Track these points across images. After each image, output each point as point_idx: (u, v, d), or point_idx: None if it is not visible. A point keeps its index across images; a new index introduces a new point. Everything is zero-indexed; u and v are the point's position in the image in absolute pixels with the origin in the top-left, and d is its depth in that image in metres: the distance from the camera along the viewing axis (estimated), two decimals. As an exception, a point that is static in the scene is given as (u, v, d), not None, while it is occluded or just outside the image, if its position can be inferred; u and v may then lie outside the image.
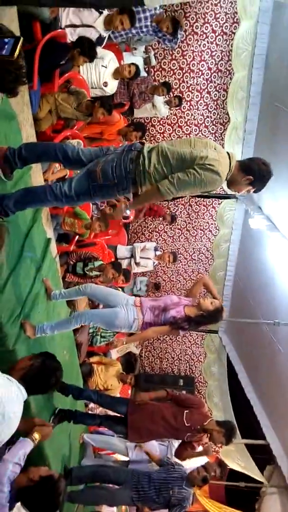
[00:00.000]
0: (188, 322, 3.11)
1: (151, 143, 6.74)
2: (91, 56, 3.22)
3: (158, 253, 6.03)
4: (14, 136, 2.67)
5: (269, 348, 6.34)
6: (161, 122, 6.78)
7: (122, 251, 5.58)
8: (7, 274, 2.60)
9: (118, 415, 3.88)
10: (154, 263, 5.96)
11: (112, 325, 3.15)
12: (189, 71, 6.29)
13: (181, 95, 6.33)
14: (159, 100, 5.47)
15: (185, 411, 3.53)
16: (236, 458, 6.72)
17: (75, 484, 3.85)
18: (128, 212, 4.65)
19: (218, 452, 7.09)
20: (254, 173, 2.46)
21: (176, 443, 4.15)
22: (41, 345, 3.22)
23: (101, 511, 4.65)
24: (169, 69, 6.25)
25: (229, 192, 7.20)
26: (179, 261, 7.18)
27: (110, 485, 3.88)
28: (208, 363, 8.01)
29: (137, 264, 5.53)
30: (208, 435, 3.53)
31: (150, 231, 7.43)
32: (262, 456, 6.50)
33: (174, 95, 6.01)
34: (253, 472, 6.40)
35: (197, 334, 7.97)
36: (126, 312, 3.08)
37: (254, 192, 2.58)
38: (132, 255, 5.56)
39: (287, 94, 5.09)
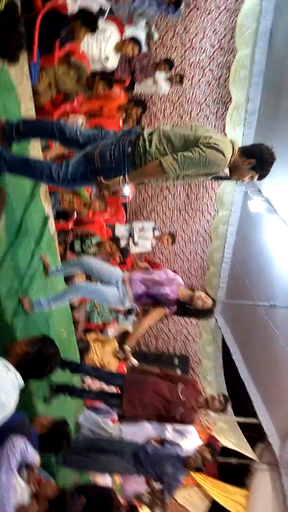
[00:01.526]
0: (177, 307, 3.12)
1: (151, 121, 6.77)
2: (92, 27, 3.13)
3: (156, 233, 6.02)
4: (13, 108, 2.63)
5: (264, 330, 6.41)
6: (162, 100, 6.68)
7: (121, 230, 5.56)
8: (5, 249, 2.60)
9: (114, 391, 3.95)
10: (152, 243, 5.96)
11: (106, 301, 3.16)
12: (191, 48, 6.17)
13: (182, 72, 6.22)
14: (161, 76, 5.37)
15: (181, 386, 3.60)
16: (229, 435, 6.89)
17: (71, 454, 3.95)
18: (127, 189, 4.59)
19: (212, 430, 7.26)
20: (256, 157, 2.39)
21: (169, 428, 4.24)
22: (39, 321, 3.25)
23: (96, 480, 4.77)
24: (171, 45, 6.13)
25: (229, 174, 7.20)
26: (177, 242, 7.18)
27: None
28: (203, 343, 8.12)
29: (135, 244, 5.52)
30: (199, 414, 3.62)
31: (148, 211, 7.41)
32: (254, 434, 6.65)
33: (176, 72, 5.90)
34: (245, 449, 6.58)
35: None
36: (118, 289, 3.08)
37: (258, 179, 2.50)
38: (131, 235, 5.55)
39: (290, 74, 5.01)
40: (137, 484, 4.67)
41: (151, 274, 3.18)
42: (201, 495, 6.93)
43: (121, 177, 2.37)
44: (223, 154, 2.29)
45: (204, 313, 3.17)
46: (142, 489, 4.44)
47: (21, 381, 1.94)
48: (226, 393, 7.23)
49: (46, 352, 2.08)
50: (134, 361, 3.38)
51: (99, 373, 3.96)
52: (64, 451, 3.49)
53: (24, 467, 2.28)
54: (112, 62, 3.94)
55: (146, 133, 2.39)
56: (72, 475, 4.13)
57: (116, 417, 5.84)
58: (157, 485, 3.89)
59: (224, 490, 6.62)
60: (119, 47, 3.93)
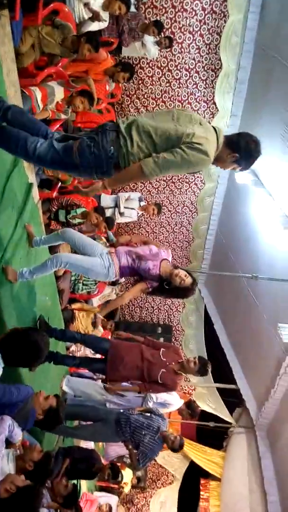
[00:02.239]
0: (157, 283, 3.12)
1: (138, 87, 6.57)
2: (78, -15, 2.97)
3: (142, 203, 5.97)
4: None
5: (245, 301, 6.56)
6: (150, 64, 6.46)
7: (106, 200, 5.49)
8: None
9: (98, 357, 4.03)
10: (138, 213, 5.92)
11: (87, 272, 3.12)
12: (182, 10, 5.92)
13: (172, 36, 6.00)
14: (149, 39, 5.17)
15: (162, 349, 3.74)
16: (208, 400, 7.16)
17: None
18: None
19: (191, 394, 7.52)
20: (240, 151, 2.27)
21: (153, 397, 4.36)
22: (23, 290, 3.25)
23: (79, 445, 4.94)
24: (161, 7, 5.86)
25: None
26: (162, 213, 7.16)
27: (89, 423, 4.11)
28: (186, 313, 8.27)
29: (121, 214, 5.48)
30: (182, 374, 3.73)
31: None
32: (232, 399, 6.93)
33: (165, 35, 5.69)
34: (223, 413, 6.86)
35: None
36: (102, 260, 3.06)
37: (240, 170, 2.39)
38: (116, 205, 5.49)
39: (283, 43, 4.88)
40: (118, 447, 4.86)
41: (136, 248, 3.17)
42: (181, 456, 7.27)
43: (101, 183, 2.28)
44: (206, 154, 2.20)
45: (183, 292, 3.17)
46: (123, 452, 4.63)
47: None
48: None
49: (32, 336, 2.08)
50: (101, 330, 3.42)
51: (85, 337, 4.00)
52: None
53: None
54: (103, 21, 3.75)
55: (123, 128, 2.23)
56: (57, 439, 4.26)
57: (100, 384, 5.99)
58: (135, 451, 4.06)
59: (202, 452, 6.95)
60: (106, 5, 3.75)
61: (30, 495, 2.14)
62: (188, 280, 3.10)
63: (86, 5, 3.57)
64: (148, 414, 4.15)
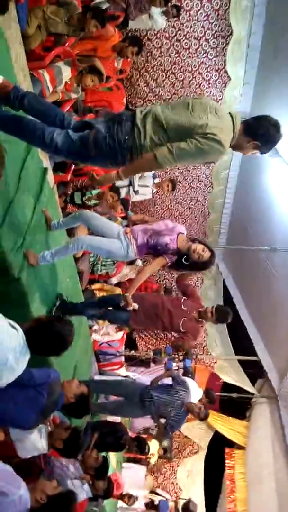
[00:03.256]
0: (176, 257, 3.14)
1: (147, 59, 6.42)
2: None
3: (156, 180, 5.91)
4: (3, 56, 2.49)
5: (264, 273, 6.53)
6: (157, 36, 6.25)
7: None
8: (6, 205, 2.59)
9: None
10: (152, 191, 5.88)
11: (107, 253, 3.18)
12: (188, -25, 5.69)
13: (179, 4, 5.78)
14: (156, 10, 5.01)
15: (183, 298, 3.80)
16: (230, 372, 7.26)
17: None
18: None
19: (213, 367, 7.64)
20: (261, 138, 2.23)
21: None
22: (44, 273, 3.32)
23: (106, 419, 5.12)
24: (167, -26, 5.63)
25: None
26: (177, 189, 7.09)
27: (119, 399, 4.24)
28: (204, 288, 8.29)
29: (135, 192, 5.46)
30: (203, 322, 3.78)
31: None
32: (254, 371, 7.02)
33: (172, 4, 5.48)
34: (245, 384, 6.96)
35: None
36: (120, 241, 3.09)
37: (261, 154, 2.33)
38: (131, 183, 5.46)
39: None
40: (144, 419, 5.01)
41: (152, 224, 3.17)
42: (205, 426, 7.46)
43: (115, 173, 2.31)
44: (220, 144, 2.17)
45: (202, 266, 3.19)
46: (149, 423, 4.78)
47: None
48: (227, 333, 7.56)
49: (58, 326, 2.09)
50: (135, 306, 3.45)
51: (105, 299, 4.02)
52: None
53: None
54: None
55: (139, 119, 2.23)
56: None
57: (122, 360, 6.14)
58: (162, 421, 4.19)
59: (226, 422, 7.11)
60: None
61: (62, 504, 2.17)
62: (207, 254, 3.11)
63: None
64: (171, 384, 4.23)
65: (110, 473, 4.61)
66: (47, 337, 2.03)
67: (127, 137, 2.22)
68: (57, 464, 3.24)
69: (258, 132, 2.23)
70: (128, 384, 4.42)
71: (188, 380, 4.27)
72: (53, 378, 2.38)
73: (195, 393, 4.49)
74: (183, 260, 3.11)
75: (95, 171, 2.90)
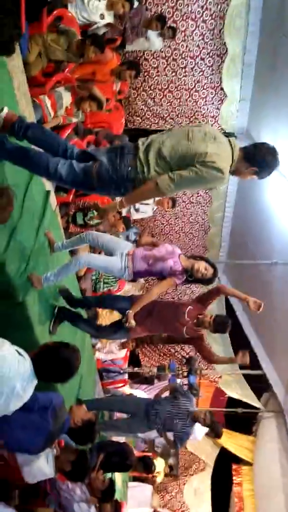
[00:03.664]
0: (185, 276, 3.18)
1: (144, 79, 6.52)
2: (80, -9, 2.96)
3: (157, 198, 5.97)
4: (6, 86, 2.55)
5: (265, 286, 6.54)
6: (154, 56, 6.38)
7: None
8: (10, 231, 2.63)
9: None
10: (153, 208, 5.94)
11: (107, 271, 3.30)
12: (183, -3, 5.82)
13: (175, 25, 5.90)
14: (152, 33, 5.12)
15: (189, 307, 3.58)
16: (235, 387, 7.21)
17: None
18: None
19: (217, 382, 7.60)
20: (259, 164, 2.32)
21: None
22: (48, 294, 3.34)
23: (111, 439, 5.08)
24: (162, -4, 5.77)
25: (228, 130, 6.99)
26: (177, 204, 7.15)
27: (124, 416, 4.21)
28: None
29: (136, 210, 5.52)
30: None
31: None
32: (259, 384, 6.97)
33: (168, 25, 5.61)
34: (250, 399, 6.91)
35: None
36: (120, 261, 3.14)
37: (259, 179, 2.45)
38: (131, 202, 5.51)
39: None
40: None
41: (152, 251, 3.22)
42: (211, 442, 7.38)
43: (119, 201, 2.38)
44: (220, 171, 2.24)
45: (207, 282, 3.28)
46: (153, 435, 4.72)
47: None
48: (231, 348, 7.53)
49: (64, 352, 2.09)
50: (132, 323, 3.37)
51: (103, 297, 3.98)
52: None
53: None
54: (109, 20, 3.76)
55: (141, 152, 2.30)
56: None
57: (126, 377, 6.12)
58: (169, 436, 4.16)
59: (232, 438, 7.04)
60: (110, 4, 3.73)
61: None
62: (209, 272, 3.18)
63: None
64: (174, 396, 4.20)
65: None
66: (54, 364, 2.03)
67: (129, 169, 2.29)
68: (63, 487, 3.21)
69: (256, 159, 2.31)
70: (132, 400, 4.41)
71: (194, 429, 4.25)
72: (56, 403, 2.38)
73: (200, 428, 4.50)
74: (188, 277, 3.18)
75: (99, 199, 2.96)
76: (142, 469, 4.42)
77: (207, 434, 4.56)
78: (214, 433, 4.51)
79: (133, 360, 6.97)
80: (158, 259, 3.16)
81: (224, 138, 2.36)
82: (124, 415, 4.44)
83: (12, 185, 2.72)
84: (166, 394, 4.42)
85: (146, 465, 4.38)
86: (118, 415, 4.73)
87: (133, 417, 4.15)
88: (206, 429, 4.56)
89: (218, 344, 7.80)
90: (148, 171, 2.28)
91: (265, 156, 2.31)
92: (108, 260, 3.17)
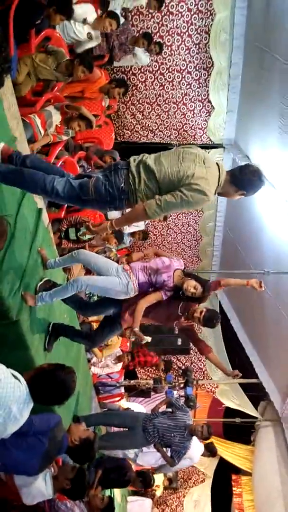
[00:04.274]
0: (173, 292, 3.18)
1: (133, 93, 6.61)
2: (68, 13, 3.01)
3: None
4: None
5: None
6: (142, 70, 6.48)
7: (113, 212, 5.54)
8: (4, 249, 2.63)
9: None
10: (145, 222, 5.98)
11: (107, 292, 3.19)
12: (168, 13, 5.93)
13: (161, 40, 6.01)
14: (139, 49, 5.20)
15: (181, 303, 3.47)
16: (232, 396, 7.21)
17: None
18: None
19: (214, 392, 7.58)
20: (245, 187, 2.46)
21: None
22: (43, 312, 3.33)
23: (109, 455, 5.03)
24: (147, 13, 5.88)
25: (216, 141, 7.08)
26: (169, 215, 7.20)
27: (121, 430, 4.18)
28: (201, 311, 8.29)
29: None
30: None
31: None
32: (256, 393, 6.97)
33: (154, 41, 5.71)
34: (248, 408, 6.90)
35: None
36: (119, 279, 3.12)
37: (246, 196, 2.58)
38: (123, 215, 5.55)
39: (272, 35, 4.89)
40: (149, 457, 4.93)
41: (149, 263, 3.24)
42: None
43: (109, 223, 2.49)
44: (204, 194, 2.34)
45: (198, 300, 3.26)
46: (154, 460, 4.71)
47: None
48: (227, 358, 7.53)
49: (60, 375, 2.07)
50: (148, 339, 3.34)
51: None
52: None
53: None
54: (96, 38, 3.83)
55: (133, 166, 2.42)
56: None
57: (122, 391, 6.08)
58: (167, 451, 4.15)
59: (231, 448, 7.01)
60: (96, 23, 3.80)
61: None
62: (199, 291, 3.16)
63: (85, 21, 3.63)
64: (171, 411, 4.20)
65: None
66: (50, 387, 2.02)
67: (123, 182, 2.39)
68: (62, 507, 3.17)
69: (243, 183, 2.45)
70: (129, 414, 4.40)
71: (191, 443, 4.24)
72: (54, 424, 2.37)
73: (197, 447, 4.51)
74: (180, 294, 3.17)
75: (90, 216, 2.97)
76: (141, 484, 4.37)
77: (203, 455, 4.58)
78: (210, 453, 4.53)
79: (129, 373, 6.93)
80: (155, 271, 3.19)
81: (213, 162, 2.47)
82: (121, 430, 4.41)
83: (5, 204, 2.74)
84: (163, 408, 4.41)
85: (145, 481, 4.34)
86: (115, 429, 4.71)
87: (130, 431, 4.13)
88: (202, 451, 4.60)
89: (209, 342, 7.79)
90: (139, 182, 2.39)
91: (251, 179, 2.46)
92: (108, 281, 3.12)
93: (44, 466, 2.46)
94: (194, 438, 4.21)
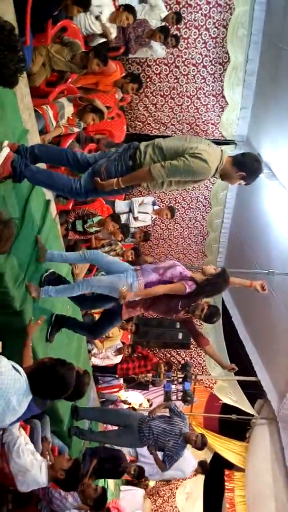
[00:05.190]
0: (196, 285, 3.13)
1: (147, 85, 6.56)
2: (85, 5, 2.99)
3: (156, 207, 6.02)
4: (9, 98, 2.57)
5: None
6: (157, 62, 6.41)
7: (120, 206, 5.56)
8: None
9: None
10: (152, 217, 5.98)
11: (114, 294, 3.16)
12: (186, 5, 5.84)
13: (177, 32, 5.93)
14: (156, 42, 5.14)
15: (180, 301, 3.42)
16: (229, 393, 7.26)
17: (80, 420, 4.19)
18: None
19: (212, 388, 7.63)
20: (246, 169, 2.59)
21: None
22: (46, 303, 3.36)
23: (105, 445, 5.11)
24: (166, 4, 5.79)
25: (228, 137, 7.02)
26: (176, 210, 7.18)
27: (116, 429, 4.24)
28: (203, 307, 8.30)
29: (135, 218, 5.55)
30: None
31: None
32: (253, 391, 7.01)
33: (171, 33, 5.63)
34: (244, 405, 6.95)
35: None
36: (126, 278, 3.11)
37: (245, 185, 2.74)
38: (130, 210, 5.56)
39: (290, 33, 4.82)
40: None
41: (161, 263, 3.27)
42: (205, 448, 7.40)
43: (115, 180, 2.59)
44: (206, 163, 2.48)
45: (222, 279, 3.18)
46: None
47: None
48: (226, 354, 7.57)
49: (60, 370, 2.08)
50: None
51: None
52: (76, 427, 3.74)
53: None
54: (112, 33, 3.79)
55: (142, 146, 2.62)
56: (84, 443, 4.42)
57: (121, 382, 6.14)
58: (160, 454, 4.19)
59: (225, 443, 7.08)
60: (114, 17, 3.75)
61: None
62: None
63: (98, 18, 3.61)
64: (168, 416, 4.24)
65: (109, 499, 4.60)
66: (49, 381, 2.06)
67: (131, 159, 2.59)
68: (56, 495, 3.25)
69: (245, 164, 2.60)
70: (127, 414, 4.42)
71: (184, 451, 4.28)
72: None
73: (190, 461, 4.55)
74: (205, 282, 3.13)
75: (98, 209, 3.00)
76: (134, 474, 4.43)
77: (195, 471, 4.67)
78: (203, 470, 4.61)
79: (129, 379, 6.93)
80: (168, 267, 3.21)
81: (216, 147, 2.64)
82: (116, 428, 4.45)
83: (14, 195, 2.76)
84: (161, 412, 4.41)
85: (139, 474, 4.40)
86: (109, 427, 4.77)
87: (125, 430, 4.16)
88: (195, 467, 4.68)
89: (209, 337, 7.82)
90: (144, 157, 2.57)
91: (252, 162, 2.62)
92: (113, 281, 3.11)
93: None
94: (189, 453, 4.27)
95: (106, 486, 4.20)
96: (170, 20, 5.21)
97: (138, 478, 4.49)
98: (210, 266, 3.25)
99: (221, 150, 2.63)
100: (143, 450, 4.62)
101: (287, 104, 5.12)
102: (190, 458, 4.65)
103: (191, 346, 8.42)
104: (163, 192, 7.22)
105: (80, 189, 2.65)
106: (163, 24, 5.15)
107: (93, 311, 4.91)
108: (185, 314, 3.50)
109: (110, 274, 3.15)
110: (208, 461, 7.54)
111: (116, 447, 4.53)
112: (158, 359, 6.95)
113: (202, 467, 4.78)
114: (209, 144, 2.60)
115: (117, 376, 5.73)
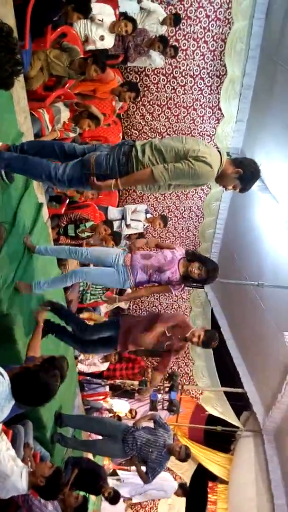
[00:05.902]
0: (183, 281, 3.12)
1: (144, 94, 6.60)
2: (85, 12, 3.01)
3: (148, 215, 6.04)
4: (6, 100, 2.58)
5: (252, 305, 6.60)
6: (155, 72, 6.47)
7: (113, 212, 5.57)
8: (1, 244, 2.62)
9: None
10: (144, 225, 5.99)
11: (104, 284, 3.25)
12: (186, 17, 5.92)
13: (176, 43, 6.01)
14: (154, 52, 5.19)
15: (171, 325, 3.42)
16: (215, 404, 7.22)
17: (63, 427, 4.13)
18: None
19: (198, 398, 7.60)
20: (244, 168, 2.53)
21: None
22: (34, 306, 3.33)
23: (88, 457, 5.04)
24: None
25: (223, 149, 7.09)
26: (169, 218, 7.20)
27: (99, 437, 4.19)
28: (193, 316, 8.32)
29: (127, 226, 5.55)
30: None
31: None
32: (240, 403, 7.00)
33: (170, 44, 5.70)
34: (230, 417, 6.93)
35: (183, 289, 8.18)
36: (117, 273, 3.07)
37: (240, 191, 2.63)
38: (123, 217, 5.56)
39: (287, 49, 4.90)
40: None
41: (150, 260, 3.11)
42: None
43: (114, 180, 2.47)
44: (210, 166, 2.42)
45: (205, 282, 3.20)
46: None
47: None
48: (214, 365, 7.56)
49: (43, 377, 2.06)
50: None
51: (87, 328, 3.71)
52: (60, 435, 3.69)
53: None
54: (108, 42, 3.81)
55: (138, 144, 2.51)
56: (66, 449, 4.35)
57: (107, 390, 6.09)
58: (143, 467, 4.14)
59: (209, 455, 7.03)
60: (113, 26, 3.79)
61: None
62: (204, 272, 3.04)
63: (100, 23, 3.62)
64: (153, 427, 4.20)
65: (90, 509, 4.52)
66: (32, 387, 2.02)
67: (124, 157, 2.47)
68: (35, 502, 3.18)
69: (243, 164, 2.55)
70: (111, 423, 4.36)
71: (165, 474, 4.26)
72: None
73: (172, 484, 4.53)
74: (190, 280, 3.12)
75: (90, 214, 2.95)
76: (108, 499, 4.33)
77: (176, 493, 4.66)
78: (184, 492, 4.60)
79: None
80: (157, 269, 3.09)
81: (214, 148, 2.59)
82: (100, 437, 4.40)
83: (6, 198, 2.74)
84: (146, 423, 4.37)
85: (113, 498, 4.29)
86: (93, 436, 4.71)
87: (109, 440, 4.10)
88: (175, 489, 4.67)
89: (201, 359, 7.83)
90: (143, 155, 2.45)
91: (250, 164, 2.56)
92: (104, 272, 3.10)
93: None
94: (169, 475, 4.23)
95: (87, 496, 4.12)
96: (168, 21, 5.24)
97: (111, 503, 4.34)
98: (194, 266, 3.07)
99: (219, 152, 2.56)
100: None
101: (282, 118, 5.20)
102: (171, 481, 4.67)
103: (179, 356, 8.40)
104: (157, 195, 7.25)
105: (62, 175, 2.51)
106: (162, 27, 5.18)
107: (82, 316, 4.89)
108: (180, 340, 3.45)
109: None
110: (192, 472, 7.52)
111: (101, 464, 4.46)
112: (146, 364, 6.90)
113: (183, 489, 4.77)
114: (206, 145, 2.54)
115: (103, 377, 5.68)
